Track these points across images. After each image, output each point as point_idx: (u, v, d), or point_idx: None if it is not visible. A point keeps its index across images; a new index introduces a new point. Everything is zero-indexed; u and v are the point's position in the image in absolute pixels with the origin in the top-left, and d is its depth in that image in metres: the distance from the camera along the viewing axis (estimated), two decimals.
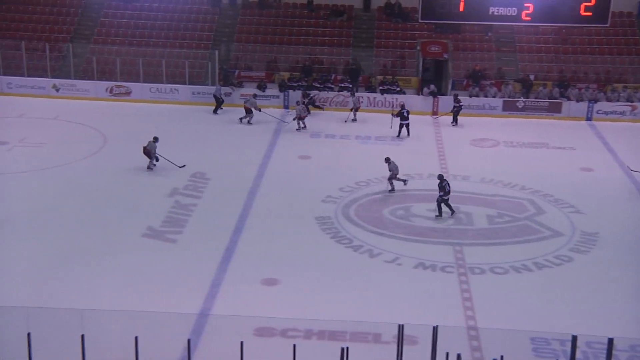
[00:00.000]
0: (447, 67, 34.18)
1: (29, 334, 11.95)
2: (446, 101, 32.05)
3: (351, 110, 30.63)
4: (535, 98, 32.01)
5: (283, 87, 32.49)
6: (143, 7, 36.60)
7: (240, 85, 32.96)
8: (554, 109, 31.65)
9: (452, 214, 21.28)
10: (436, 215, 21.25)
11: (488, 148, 27.88)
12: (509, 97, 32.18)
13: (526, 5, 17.66)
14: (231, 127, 29.64)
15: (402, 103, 29.59)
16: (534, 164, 26.10)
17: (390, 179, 22.83)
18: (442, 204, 21.26)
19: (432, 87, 32.47)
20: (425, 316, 14.99)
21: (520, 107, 31.95)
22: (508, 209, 22.04)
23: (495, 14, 17.73)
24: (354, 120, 30.47)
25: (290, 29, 35.86)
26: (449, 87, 33.41)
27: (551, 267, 18.55)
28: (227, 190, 22.87)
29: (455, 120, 30.53)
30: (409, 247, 19.44)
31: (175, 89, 32.56)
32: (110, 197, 22.00)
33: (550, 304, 16.74)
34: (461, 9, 17.77)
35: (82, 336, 11.87)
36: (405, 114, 28.35)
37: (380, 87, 32.55)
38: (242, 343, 11.82)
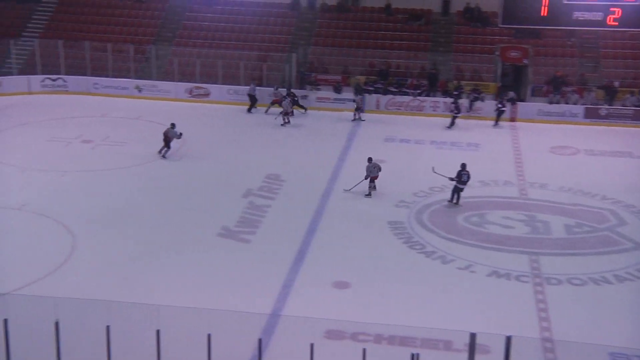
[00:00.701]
0: (526, 72, 33.53)
1: (108, 327, 12.30)
2: (525, 108, 31.45)
3: (355, 110, 30.96)
4: (622, 105, 31.04)
5: (359, 91, 32.50)
6: (224, 11, 37.27)
7: (317, 87, 33.14)
8: (639, 117, 30.62)
9: (455, 204, 22.01)
10: (448, 201, 22.05)
11: (568, 156, 27.19)
12: (591, 104, 31.32)
13: (612, 9, 17.21)
14: (305, 129, 29.85)
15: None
16: (617, 173, 25.31)
17: (366, 178, 22.72)
18: (455, 193, 22.00)
19: (512, 94, 31.89)
20: (498, 325, 14.71)
21: (603, 114, 31.05)
22: (588, 219, 21.44)
23: (580, 18, 17.35)
24: (360, 119, 30.78)
25: (368, 33, 35.85)
26: (529, 92, 32.75)
27: (632, 280, 17.92)
28: (301, 192, 23.03)
29: (496, 122, 30.45)
30: (483, 255, 19.13)
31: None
32: (188, 196, 22.45)
33: (630, 318, 16.18)
34: (544, 13, 17.44)
35: (158, 332, 12.14)
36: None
37: (455, 93, 32.07)
38: (312, 345, 11.86)
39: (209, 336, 12.19)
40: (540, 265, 18.60)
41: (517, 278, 17.91)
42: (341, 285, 17.24)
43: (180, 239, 19.52)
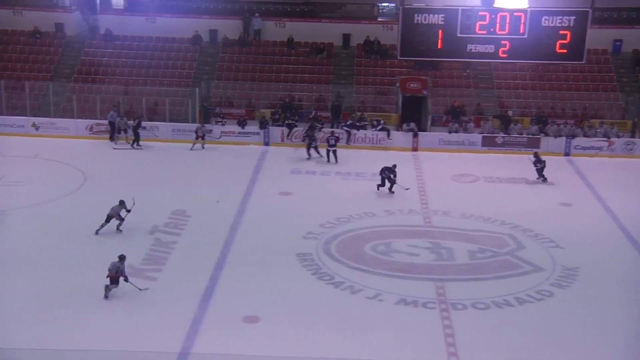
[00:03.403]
0: (426, 103, 34.52)
1: None
2: (426, 137, 32.34)
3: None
4: (509, 134, 32.35)
5: (263, 124, 32.59)
6: (123, 46, 36.79)
7: (222, 122, 33.00)
8: (532, 145, 31.99)
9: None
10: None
11: (468, 183, 28.04)
12: (488, 133, 32.52)
13: (503, 42, 17.99)
14: (210, 164, 29.63)
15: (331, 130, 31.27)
16: (514, 198, 26.28)
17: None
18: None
19: (412, 124, 32.69)
20: (407, 353, 14.91)
21: (499, 142, 32.27)
22: (489, 244, 22.11)
23: (473, 51, 18.05)
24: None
25: (271, 66, 36.14)
26: (429, 122, 33.71)
27: (532, 302, 18.56)
28: (208, 226, 22.77)
29: (542, 177, 28.15)
30: (390, 283, 19.38)
31: (155, 126, 32.55)
32: (91, 235, 21.79)
33: (532, 339, 16.71)
34: (439, 46, 18.06)
35: None
36: (332, 141, 29.83)
37: (344, 124, 32.67)
38: None
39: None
40: (445, 291, 19.01)
41: (424, 305, 18.23)
42: (251, 319, 17.07)
43: (86, 280, 18.88)
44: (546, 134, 32.28)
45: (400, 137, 32.46)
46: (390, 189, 26.07)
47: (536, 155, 28.69)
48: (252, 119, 33.35)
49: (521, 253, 21.53)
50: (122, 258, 17.97)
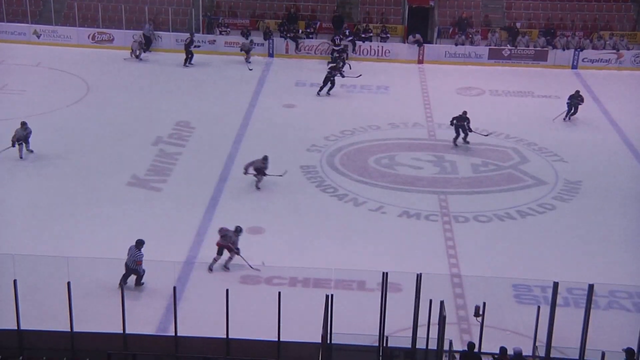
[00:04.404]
0: (433, 14, 33.85)
1: (15, 281, 11.98)
2: (432, 50, 31.87)
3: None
4: (517, 47, 31.83)
5: (268, 35, 32.08)
6: None
7: (226, 32, 32.49)
8: (540, 57, 31.53)
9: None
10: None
11: (474, 96, 27.82)
12: (495, 46, 32.02)
13: None
14: (213, 75, 29.35)
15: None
16: (519, 112, 26.12)
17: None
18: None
19: (418, 36, 32.15)
20: (409, 264, 15.15)
21: (506, 55, 31.80)
22: (493, 158, 22.13)
23: None
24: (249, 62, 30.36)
25: None
26: (435, 35, 33.14)
27: (534, 215, 18.72)
28: (212, 139, 22.78)
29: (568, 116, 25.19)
30: (393, 196, 19.53)
31: (159, 36, 32.06)
32: (94, 145, 21.84)
33: (532, 251, 16.94)
34: None
35: (68, 283, 11.92)
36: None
37: (363, 35, 32.09)
38: (227, 290, 11.93)
39: (121, 286, 12.07)
40: (448, 204, 19.16)
41: (427, 217, 18.41)
42: (255, 230, 17.28)
43: (89, 189, 19.06)
44: (554, 47, 31.77)
45: (406, 50, 31.98)
46: (465, 139, 22.88)
47: (577, 92, 25.40)
48: (256, 30, 32.82)
49: (524, 166, 21.57)
50: (238, 230, 15.77)
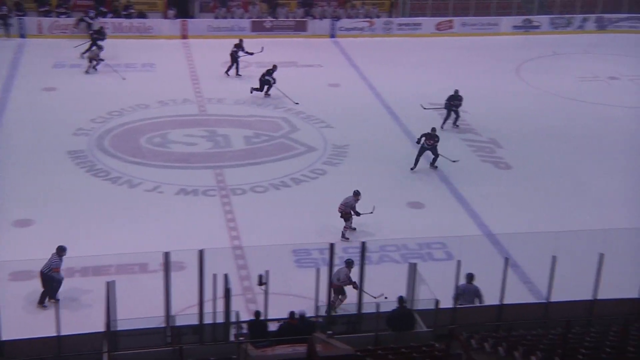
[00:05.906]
0: None
1: None
2: (195, 24, 31.65)
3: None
4: (277, 18, 32.58)
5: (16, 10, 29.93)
6: None
7: None
8: (300, 28, 32.52)
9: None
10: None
11: (240, 69, 28.05)
12: (257, 18, 32.48)
13: None
14: None
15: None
16: (285, 82, 26.67)
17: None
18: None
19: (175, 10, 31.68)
20: (191, 241, 15.07)
21: (268, 27, 32.41)
22: (264, 129, 22.58)
23: None
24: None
25: None
26: (197, 9, 32.91)
27: (308, 181, 19.44)
28: None
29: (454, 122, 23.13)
30: (169, 174, 19.30)
31: None
32: None
33: (309, 216, 17.58)
34: None
35: None
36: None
37: (124, 12, 31.08)
38: None
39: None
40: (225, 178, 19.30)
41: (205, 193, 18.43)
42: (23, 223, 16.27)
43: None
44: (313, 17, 32.91)
45: (168, 25, 31.45)
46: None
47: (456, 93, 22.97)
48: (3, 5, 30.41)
49: (295, 135, 22.25)
50: (357, 194, 16.70)
